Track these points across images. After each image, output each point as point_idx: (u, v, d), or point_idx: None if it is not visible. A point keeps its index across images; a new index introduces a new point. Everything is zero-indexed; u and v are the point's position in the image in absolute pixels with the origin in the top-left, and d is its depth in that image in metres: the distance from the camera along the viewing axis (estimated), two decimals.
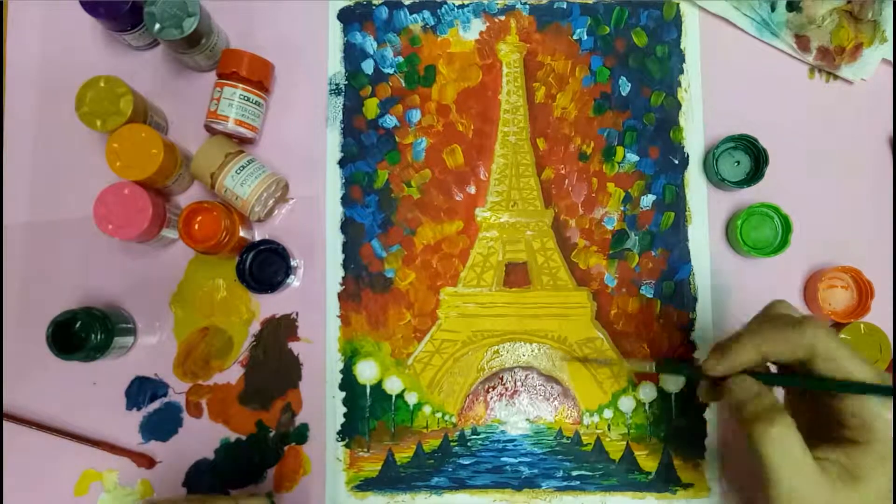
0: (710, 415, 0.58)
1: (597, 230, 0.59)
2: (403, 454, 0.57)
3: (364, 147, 0.60)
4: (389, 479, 0.57)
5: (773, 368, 0.46)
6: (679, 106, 0.60)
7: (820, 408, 0.43)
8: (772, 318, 0.44)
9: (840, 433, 0.41)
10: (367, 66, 0.61)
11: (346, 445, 0.57)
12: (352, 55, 0.61)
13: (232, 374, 0.58)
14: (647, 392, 0.58)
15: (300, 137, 0.60)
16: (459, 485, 0.57)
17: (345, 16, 0.61)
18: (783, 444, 0.40)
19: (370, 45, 0.61)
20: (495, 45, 0.61)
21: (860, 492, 0.40)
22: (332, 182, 0.60)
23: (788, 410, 0.41)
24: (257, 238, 0.59)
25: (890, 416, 0.40)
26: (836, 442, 0.41)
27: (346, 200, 0.60)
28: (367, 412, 0.58)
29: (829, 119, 0.60)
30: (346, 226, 0.59)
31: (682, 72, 0.61)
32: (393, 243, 0.59)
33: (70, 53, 0.60)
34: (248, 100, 0.56)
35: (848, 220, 0.60)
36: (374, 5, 0.61)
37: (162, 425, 0.57)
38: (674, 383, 0.58)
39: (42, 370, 0.57)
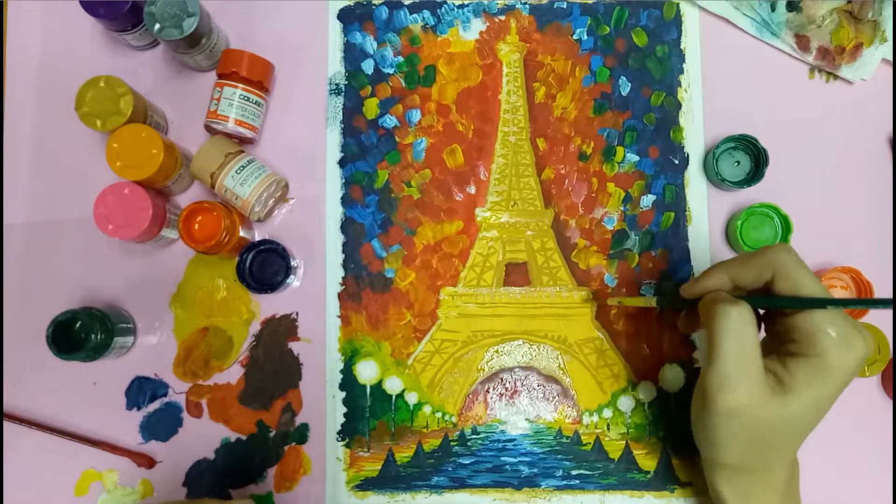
0: None
1: (597, 230, 0.59)
2: (403, 454, 0.57)
3: (364, 147, 0.60)
4: (389, 478, 0.57)
5: None
6: (679, 106, 0.60)
7: (774, 325, 0.47)
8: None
9: (785, 347, 0.44)
10: (367, 66, 0.61)
11: (347, 445, 0.57)
12: (352, 55, 0.61)
13: (232, 374, 0.58)
14: (646, 392, 0.58)
15: (300, 137, 0.60)
16: (459, 484, 0.57)
17: (345, 16, 0.61)
18: (739, 325, 0.42)
19: (370, 45, 0.61)
20: (495, 45, 0.61)
21: (787, 403, 0.43)
22: (332, 182, 0.60)
23: None
24: (257, 238, 0.59)
25: (834, 332, 0.42)
26: (780, 355, 0.44)
27: (346, 200, 0.60)
28: (367, 412, 0.58)
29: (829, 119, 0.61)
30: (346, 226, 0.59)
31: (682, 72, 0.61)
32: (393, 243, 0.59)
33: (70, 53, 0.60)
34: (248, 100, 0.56)
35: (848, 220, 0.60)
36: (374, 5, 0.61)
37: (162, 425, 0.57)
38: (674, 382, 0.58)
39: (42, 370, 0.57)
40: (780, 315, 0.46)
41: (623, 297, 0.57)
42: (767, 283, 0.45)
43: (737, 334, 0.42)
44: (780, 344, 0.45)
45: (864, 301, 0.44)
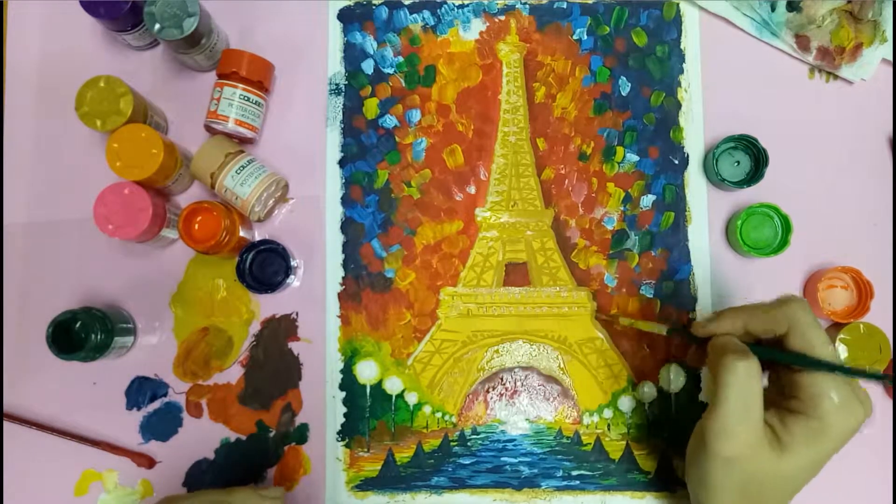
0: None
1: (597, 230, 0.59)
2: (403, 454, 0.57)
3: (364, 147, 0.60)
4: (389, 478, 0.57)
5: None
6: (679, 106, 0.60)
7: (779, 379, 0.47)
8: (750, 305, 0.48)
9: (787, 403, 0.45)
10: (367, 66, 0.61)
11: (347, 445, 0.57)
12: (352, 55, 0.61)
13: (232, 374, 0.58)
14: (646, 392, 0.58)
15: (300, 137, 0.60)
16: (459, 484, 0.57)
17: (345, 16, 0.61)
18: (745, 379, 0.43)
19: (370, 45, 0.61)
20: (495, 45, 0.61)
21: (783, 459, 0.43)
22: (332, 182, 0.60)
23: None
24: (257, 238, 0.59)
25: (836, 397, 0.43)
26: (780, 410, 0.45)
27: (346, 200, 0.60)
28: (367, 412, 0.58)
29: (829, 119, 0.61)
30: (346, 226, 0.59)
31: (682, 72, 0.61)
32: (393, 243, 0.59)
33: (70, 53, 0.60)
34: (248, 100, 0.56)
35: (848, 220, 0.60)
36: (374, 5, 0.61)
37: (162, 425, 0.57)
38: (674, 382, 0.58)
39: (42, 370, 0.57)
40: (785, 370, 0.46)
41: (635, 319, 0.56)
42: (780, 336, 0.45)
43: (742, 387, 0.43)
44: (781, 398, 0.45)
45: (871, 375, 0.45)
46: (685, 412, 0.58)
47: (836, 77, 0.61)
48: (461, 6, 0.61)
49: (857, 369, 0.44)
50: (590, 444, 0.57)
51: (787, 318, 0.44)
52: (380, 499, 0.57)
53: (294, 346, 0.58)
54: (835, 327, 0.58)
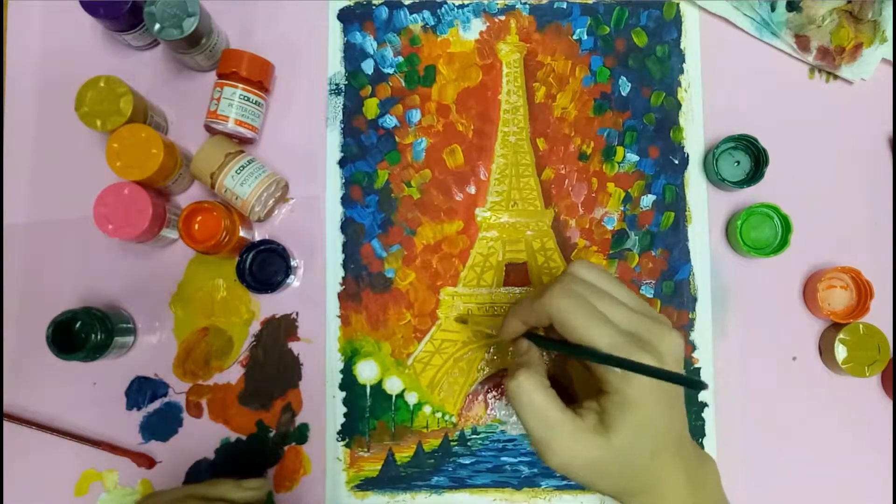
0: (709, 414, 0.58)
1: (597, 230, 0.59)
2: (403, 454, 0.57)
3: (364, 147, 0.60)
4: (389, 478, 0.57)
5: None
6: (679, 106, 0.60)
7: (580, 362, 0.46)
8: (535, 289, 0.45)
9: (596, 385, 0.43)
10: (367, 66, 0.61)
11: (347, 445, 0.57)
12: (352, 55, 0.61)
13: (232, 374, 0.58)
14: None
15: (300, 137, 0.60)
16: (459, 484, 0.57)
17: (345, 16, 0.61)
18: (522, 396, 0.42)
19: (370, 45, 0.61)
20: (495, 45, 0.61)
21: (611, 439, 0.41)
22: (332, 182, 0.60)
23: (561, 367, 0.47)
24: (257, 238, 0.59)
25: (617, 368, 0.41)
26: (595, 393, 0.43)
27: (346, 200, 0.60)
28: (367, 412, 0.58)
29: (829, 119, 0.61)
30: (346, 226, 0.59)
31: (682, 72, 0.61)
32: (393, 243, 0.59)
33: (70, 53, 0.60)
34: (248, 100, 0.56)
35: (848, 220, 0.60)
36: (374, 5, 0.61)
37: (162, 425, 0.57)
38: None
39: (42, 370, 0.57)
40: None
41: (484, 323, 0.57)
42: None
43: (524, 404, 0.42)
44: (594, 381, 0.44)
45: (623, 362, 0.40)
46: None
47: (836, 77, 0.61)
48: (461, 6, 0.61)
49: (615, 358, 0.40)
50: None
51: (545, 312, 0.43)
52: (380, 499, 0.57)
53: (294, 346, 0.58)
54: (834, 327, 0.58)
